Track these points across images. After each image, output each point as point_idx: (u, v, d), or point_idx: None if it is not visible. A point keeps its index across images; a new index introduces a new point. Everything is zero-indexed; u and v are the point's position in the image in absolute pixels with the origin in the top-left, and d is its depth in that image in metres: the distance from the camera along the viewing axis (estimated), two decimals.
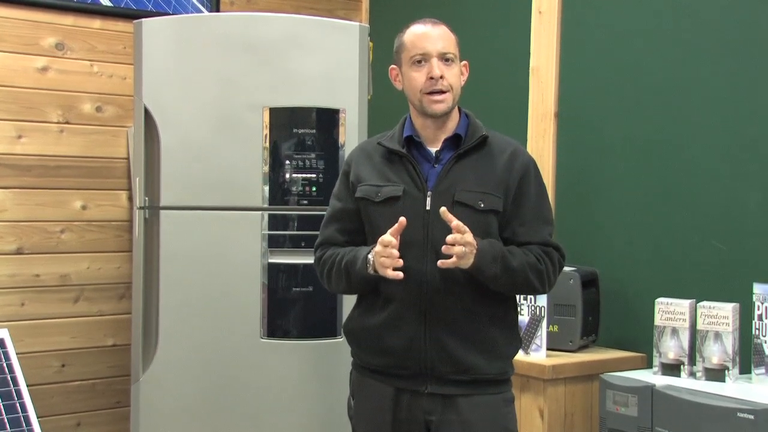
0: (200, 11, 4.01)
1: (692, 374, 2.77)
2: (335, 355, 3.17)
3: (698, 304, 2.77)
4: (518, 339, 2.37)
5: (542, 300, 3.03)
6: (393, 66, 2.33)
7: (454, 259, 2.11)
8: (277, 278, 3.24)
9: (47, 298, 3.75)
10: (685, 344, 2.78)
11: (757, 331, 2.69)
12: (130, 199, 3.87)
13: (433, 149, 2.29)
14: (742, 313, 2.77)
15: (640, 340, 3.13)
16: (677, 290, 2.94)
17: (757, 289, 2.70)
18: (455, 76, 2.26)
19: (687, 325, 2.78)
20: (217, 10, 4.05)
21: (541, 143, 3.52)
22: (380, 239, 2.16)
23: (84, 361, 3.83)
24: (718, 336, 2.71)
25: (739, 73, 2.93)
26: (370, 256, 2.20)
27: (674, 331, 2.80)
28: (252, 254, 3.23)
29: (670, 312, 2.81)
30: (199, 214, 3.23)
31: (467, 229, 2.12)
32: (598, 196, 3.35)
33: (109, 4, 3.84)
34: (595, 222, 3.36)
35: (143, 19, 3.27)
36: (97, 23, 3.84)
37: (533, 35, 3.58)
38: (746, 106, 2.91)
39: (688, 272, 3.04)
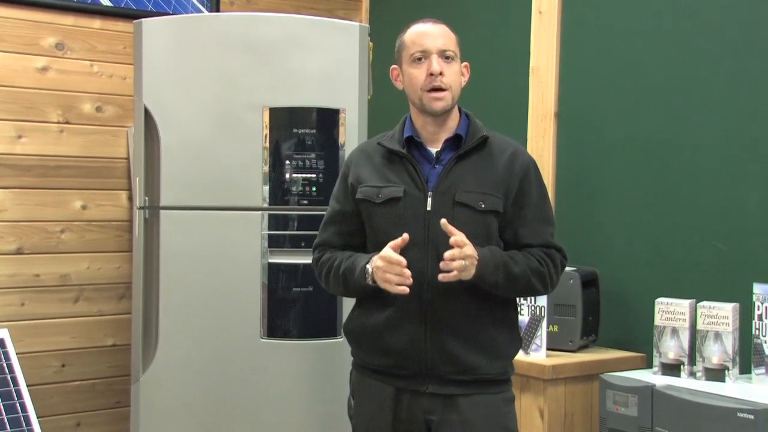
0: (200, 11, 4.01)
1: (692, 374, 2.77)
2: (335, 355, 3.17)
3: (698, 304, 2.77)
4: (518, 339, 2.36)
5: (542, 300, 3.03)
6: (394, 66, 2.33)
7: (454, 273, 2.11)
8: (277, 278, 3.24)
9: (47, 298, 3.75)
10: (685, 344, 2.78)
11: (757, 331, 2.69)
12: (130, 199, 3.87)
13: (434, 150, 2.28)
14: (742, 313, 2.77)
15: (640, 340, 3.13)
16: (677, 290, 2.94)
17: (757, 289, 2.70)
18: (455, 74, 2.26)
19: (687, 325, 2.78)
20: (217, 10, 4.05)
21: (541, 143, 3.52)
22: (384, 255, 2.14)
23: (84, 361, 3.83)
24: (718, 336, 2.71)
25: (739, 73, 2.93)
26: (368, 266, 2.19)
27: (674, 331, 2.80)
28: (252, 254, 3.23)
29: (670, 312, 2.81)
30: (199, 214, 3.22)
31: (467, 242, 2.12)
32: (598, 196, 3.35)
33: (109, 4, 3.85)
34: (595, 222, 3.36)
35: (143, 19, 3.27)
36: (97, 23, 3.84)
37: (533, 35, 3.58)
38: (746, 106, 2.91)
39: (688, 272, 3.04)
